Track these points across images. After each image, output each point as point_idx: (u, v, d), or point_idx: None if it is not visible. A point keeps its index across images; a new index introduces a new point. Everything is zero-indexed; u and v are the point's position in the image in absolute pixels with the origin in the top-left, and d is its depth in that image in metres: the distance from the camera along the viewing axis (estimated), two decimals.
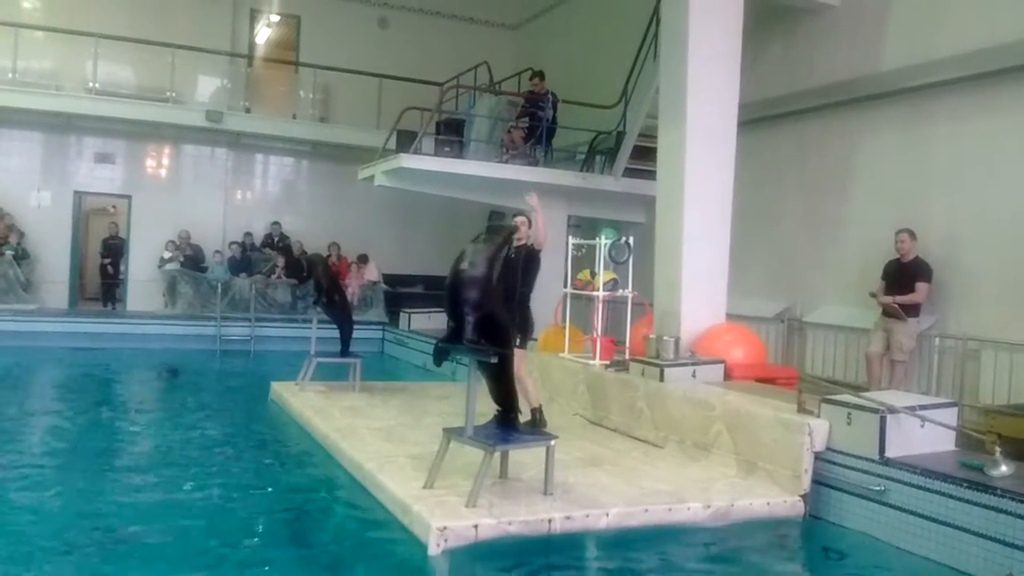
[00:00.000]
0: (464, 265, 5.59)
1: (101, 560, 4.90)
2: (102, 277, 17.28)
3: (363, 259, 17.01)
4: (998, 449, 5.49)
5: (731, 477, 6.58)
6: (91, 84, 15.65)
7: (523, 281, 7.49)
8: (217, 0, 17.22)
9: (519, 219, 7.61)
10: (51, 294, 15.91)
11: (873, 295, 8.69)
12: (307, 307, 14.87)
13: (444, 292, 5.76)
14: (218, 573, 4.82)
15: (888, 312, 8.56)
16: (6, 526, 5.36)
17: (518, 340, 7.34)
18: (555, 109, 13.31)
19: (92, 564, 4.85)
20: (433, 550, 5.04)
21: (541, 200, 7.82)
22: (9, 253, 14.94)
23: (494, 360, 5.61)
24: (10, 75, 15.21)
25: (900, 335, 8.46)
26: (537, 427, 7.42)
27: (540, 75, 13.56)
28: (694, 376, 8.07)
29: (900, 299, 8.44)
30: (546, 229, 7.76)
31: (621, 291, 9.37)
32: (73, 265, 16.66)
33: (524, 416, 7.11)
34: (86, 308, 16.80)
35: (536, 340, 10.34)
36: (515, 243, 7.47)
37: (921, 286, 8.44)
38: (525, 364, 7.75)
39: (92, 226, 19.42)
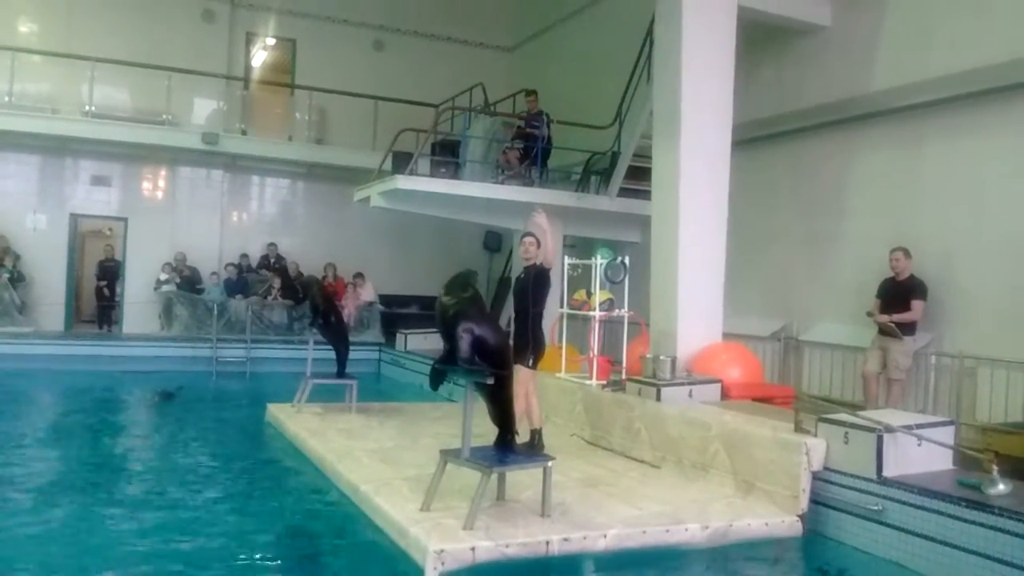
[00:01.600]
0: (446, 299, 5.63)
1: None
2: (98, 299, 17.24)
3: (359, 277, 17.00)
4: (995, 467, 5.50)
5: (729, 497, 6.57)
6: (87, 107, 15.68)
7: (534, 300, 7.49)
8: (213, 24, 17.33)
9: (528, 239, 7.61)
10: (47, 317, 15.87)
11: (870, 314, 8.70)
12: (303, 328, 14.84)
13: (436, 317, 5.82)
14: None
15: (884, 331, 8.57)
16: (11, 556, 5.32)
17: (530, 361, 7.40)
18: (548, 128, 13.37)
19: None
20: (431, 573, 5.02)
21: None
22: (5, 276, 14.92)
23: (491, 381, 5.62)
24: (7, 98, 15.24)
25: (896, 353, 8.47)
26: (535, 449, 7.39)
27: (534, 93, 13.63)
28: (691, 396, 8.07)
29: (896, 318, 8.45)
30: (554, 248, 7.73)
31: (617, 311, 9.38)
32: (69, 287, 16.63)
33: (523, 437, 7.10)
34: (82, 331, 16.74)
35: None
36: (525, 263, 7.60)
37: (916, 304, 8.45)
38: (534, 384, 7.72)
39: (88, 248, 19.42)
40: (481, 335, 5.64)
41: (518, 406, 7.54)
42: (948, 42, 8.95)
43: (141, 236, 16.71)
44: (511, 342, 7.34)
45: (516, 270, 13.90)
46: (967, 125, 8.76)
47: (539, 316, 7.54)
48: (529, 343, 7.41)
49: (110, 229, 18.77)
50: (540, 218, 7.60)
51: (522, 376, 7.42)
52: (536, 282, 7.46)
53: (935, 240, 8.89)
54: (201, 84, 16.69)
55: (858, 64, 9.98)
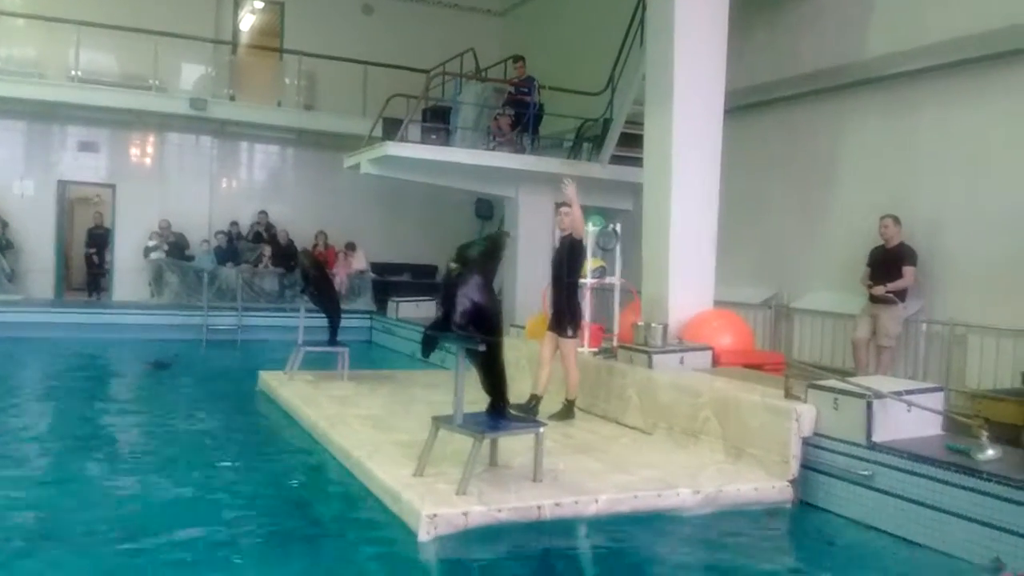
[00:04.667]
0: (453, 266, 5.67)
1: (99, 547, 4.89)
2: (87, 267, 17.18)
3: (351, 247, 16.95)
4: (984, 433, 5.52)
5: (719, 463, 6.60)
6: (74, 72, 15.50)
7: (569, 270, 7.62)
8: None
9: (563, 210, 7.82)
10: (36, 284, 15.82)
11: (869, 286, 8.69)
12: (294, 296, 14.82)
13: (442, 284, 5.86)
14: (208, 560, 4.80)
15: (876, 298, 8.59)
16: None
17: (569, 331, 7.53)
18: (539, 94, 13.27)
19: (90, 552, 4.83)
20: (423, 537, 5.05)
21: (528, 187, 7.86)
22: None
23: (482, 348, 5.62)
24: None
25: (887, 320, 8.51)
26: (531, 414, 7.52)
27: (521, 59, 13.51)
28: (682, 363, 8.10)
29: (891, 286, 8.46)
30: (582, 218, 7.89)
31: (609, 278, 9.38)
32: (58, 255, 16.56)
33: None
34: (72, 298, 16.70)
35: (524, 328, 10.35)
36: (560, 233, 7.88)
37: (908, 270, 8.47)
38: (575, 354, 7.91)
39: (77, 215, 19.30)
40: (478, 301, 5.65)
41: (570, 377, 7.75)
42: (944, 8, 8.89)
43: (130, 203, 16.60)
44: (551, 312, 7.77)
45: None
46: (962, 92, 8.73)
47: (574, 286, 7.69)
48: (566, 313, 7.54)
49: (98, 196, 18.63)
50: (569, 189, 7.73)
51: (565, 347, 7.54)
52: (571, 252, 7.60)
53: (927, 208, 8.90)
54: (188, 48, 16.49)
55: (853, 30, 9.91)
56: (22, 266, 15.61)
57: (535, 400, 7.74)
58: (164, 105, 16.01)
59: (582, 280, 9.23)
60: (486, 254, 5.87)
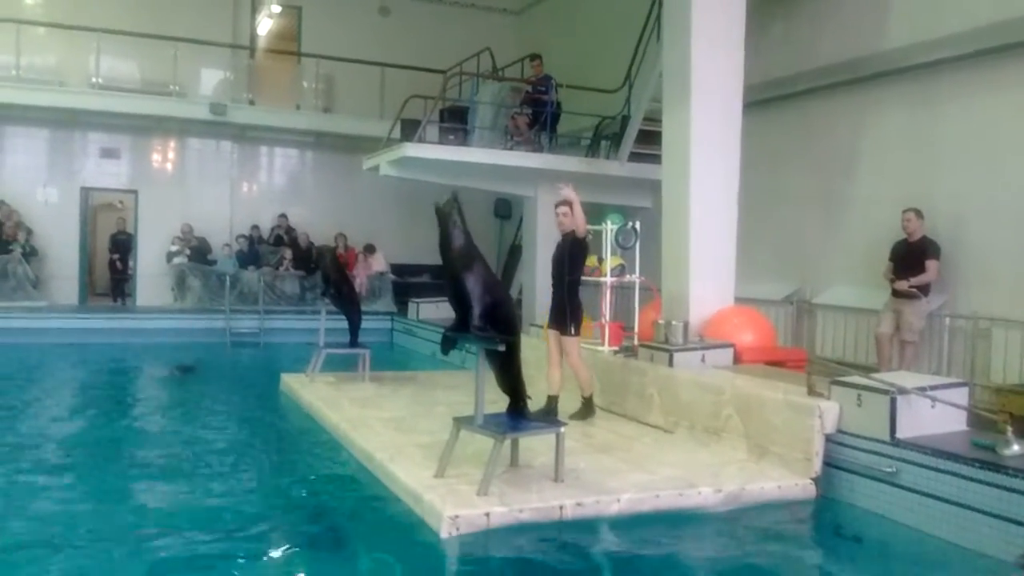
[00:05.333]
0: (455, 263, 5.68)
1: (128, 550, 4.93)
2: (111, 272, 17.33)
3: (370, 249, 17.00)
4: (1010, 428, 5.48)
5: (742, 461, 6.58)
6: (94, 79, 15.65)
7: (570, 269, 7.64)
8: None
9: (561, 209, 7.83)
10: (60, 291, 15.96)
11: (892, 280, 8.61)
12: (315, 298, 14.90)
13: (446, 285, 5.83)
14: (231, 562, 4.84)
15: (899, 292, 8.52)
16: (34, 522, 5.40)
17: (571, 328, 7.57)
18: (556, 93, 13.25)
19: (119, 554, 4.88)
20: (445, 538, 5.07)
21: (546, 186, 7.87)
22: (18, 250, 14.98)
23: (501, 348, 5.63)
24: (14, 72, 15.21)
25: (910, 315, 8.42)
26: (585, 416, 7.67)
27: (538, 58, 13.50)
28: (703, 360, 8.06)
29: (915, 281, 8.38)
30: (584, 217, 7.82)
31: (629, 276, 9.35)
32: (82, 261, 16.70)
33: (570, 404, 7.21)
34: (96, 304, 16.85)
35: (542, 327, 10.34)
36: (561, 231, 7.85)
37: (931, 264, 8.38)
38: (578, 351, 7.90)
39: (100, 221, 19.48)
40: (494, 300, 5.66)
41: (580, 375, 7.79)
42: None
43: (152, 208, 16.73)
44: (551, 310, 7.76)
45: (527, 238, 13.94)
46: (983, 82, 8.63)
47: (575, 284, 7.71)
48: (567, 311, 7.55)
49: (121, 202, 18.80)
50: (566, 189, 7.73)
51: (568, 346, 7.54)
52: (572, 251, 7.60)
53: (949, 201, 8.80)
54: (208, 54, 16.61)
55: (871, 21, 9.82)
56: (46, 272, 15.76)
57: (552, 401, 7.73)
58: (184, 111, 16.14)
59: (602, 278, 9.25)
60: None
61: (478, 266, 5.78)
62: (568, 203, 7.74)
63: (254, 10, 17.90)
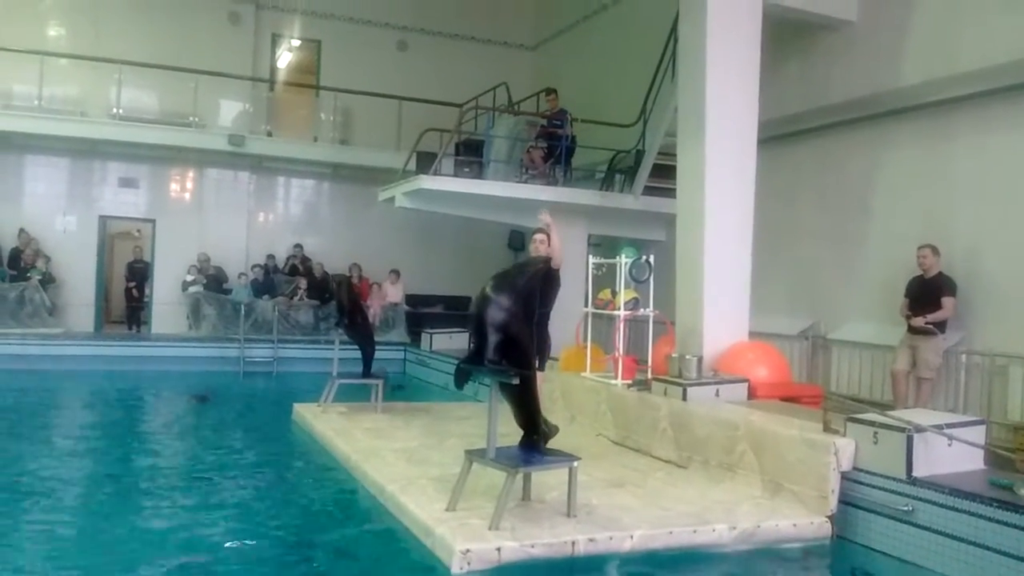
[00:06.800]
0: (489, 291, 5.60)
1: None
2: (127, 300, 17.43)
3: (395, 273, 17.04)
4: None
5: (756, 498, 6.52)
6: (115, 110, 15.86)
7: (542, 301, 7.39)
8: (239, 25, 17.46)
9: (538, 236, 7.58)
10: (77, 318, 16.05)
11: (908, 316, 8.57)
12: (329, 328, 14.93)
13: (471, 313, 5.79)
14: None
15: (915, 329, 8.47)
16: (44, 551, 5.39)
17: (537, 361, 7.33)
18: (571, 127, 13.34)
19: None
20: (456, 572, 5.02)
21: (561, 219, 7.79)
22: (35, 277, 15.11)
23: (516, 381, 5.61)
24: (36, 102, 15.44)
25: (926, 352, 8.37)
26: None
27: (554, 92, 13.61)
28: (717, 395, 8.02)
29: (931, 317, 8.33)
30: (562, 247, 7.66)
31: (642, 310, 9.33)
32: (98, 289, 16.83)
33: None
34: (112, 331, 16.92)
35: (557, 359, 10.33)
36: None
37: (947, 301, 8.34)
38: (541, 385, 7.67)
39: (117, 250, 19.61)
40: (513, 335, 5.62)
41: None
42: (977, 36, 8.81)
43: (169, 237, 16.87)
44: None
45: None
46: (998, 119, 8.63)
47: (546, 316, 7.41)
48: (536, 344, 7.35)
49: (138, 231, 18.96)
50: (545, 216, 7.57)
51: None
52: (544, 281, 7.35)
53: (965, 237, 8.78)
54: (227, 86, 16.82)
55: (885, 59, 9.86)
56: (63, 300, 15.87)
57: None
58: (203, 141, 16.33)
59: (616, 312, 9.24)
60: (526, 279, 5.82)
61: (518, 303, 5.70)
62: (545, 233, 7.57)
63: (274, 44, 18.18)
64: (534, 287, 6.95)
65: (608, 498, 6.38)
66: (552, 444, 6.31)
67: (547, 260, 6.61)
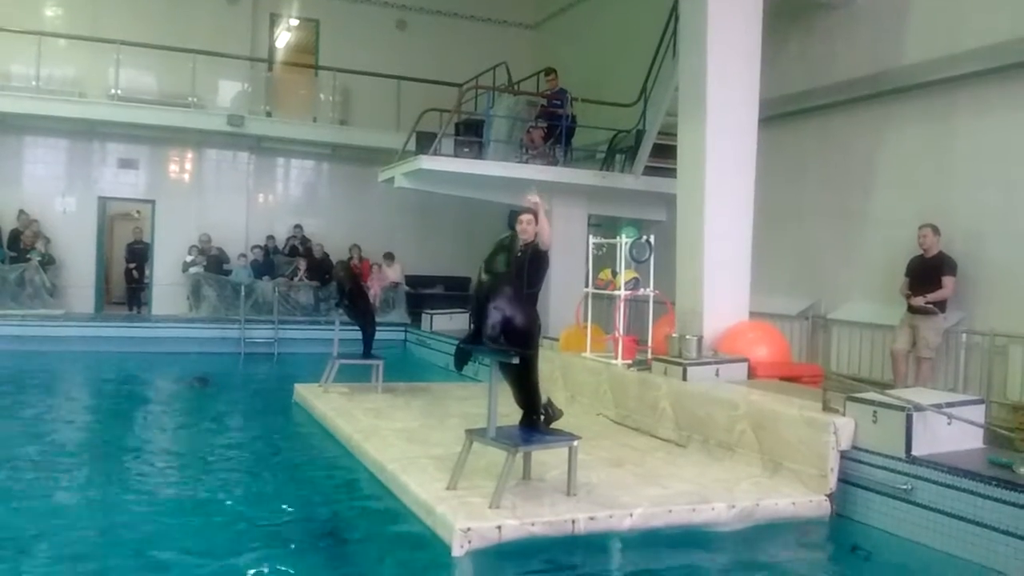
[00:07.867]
0: (485, 277, 5.62)
1: (126, 558, 4.95)
2: (127, 281, 17.45)
3: (389, 257, 17.05)
4: None
5: (756, 477, 6.54)
6: (114, 91, 15.79)
7: (529, 281, 7.32)
8: (237, 5, 17.35)
9: (524, 217, 7.45)
10: (77, 299, 16.07)
11: (908, 296, 8.56)
12: (329, 309, 14.95)
13: (471, 294, 5.80)
14: (240, 574, 4.84)
15: (915, 308, 8.47)
16: (46, 532, 5.41)
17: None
18: (571, 106, 13.29)
19: (115, 563, 4.90)
20: (457, 551, 5.05)
21: (561, 199, 7.75)
22: (35, 259, 15.12)
23: (516, 361, 5.62)
24: (34, 83, 15.39)
25: (926, 331, 8.37)
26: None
27: (553, 72, 13.54)
28: (717, 375, 8.03)
29: (931, 297, 8.32)
30: (549, 228, 7.59)
31: (643, 290, 9.33)
32: (98, 270, 16.84)
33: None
34: (112, 312, 16.95)
35: (558, 340, 10.34)
36: (520, 241, 7.43)
37: (948, 280, 8.33)
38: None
39: (117, 231, 19.63)
40: (511, 315, 5.63)
41: None
42: (981, 14, 8.76)
43: (169, 218, 16.88)
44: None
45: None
46: (1000, 98, 8.59)
47: (534, 297, 7.37)
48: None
49: (138, 212, 18.96)
50: (534, 197, 7.45)
51: None
52: (532, 262, 7.26)
53: (966, 216, 8.76)
54: (226, 66, 16.76)
55: (887, 37, 9.81)
56: (63, 281, 15.88)
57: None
58: (202, 122, 16.28)
59: (616, 292, 9.24)
60: (514, 263, 5.82)
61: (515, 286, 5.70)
62: (532, 212, 7.46)
63: (272, 23, 18.08)
64: (521, 268, 6.99)
65: (608, 477, 6.39)
66: (553, 424, 6.31)
67: (528, 244, 6.54)
